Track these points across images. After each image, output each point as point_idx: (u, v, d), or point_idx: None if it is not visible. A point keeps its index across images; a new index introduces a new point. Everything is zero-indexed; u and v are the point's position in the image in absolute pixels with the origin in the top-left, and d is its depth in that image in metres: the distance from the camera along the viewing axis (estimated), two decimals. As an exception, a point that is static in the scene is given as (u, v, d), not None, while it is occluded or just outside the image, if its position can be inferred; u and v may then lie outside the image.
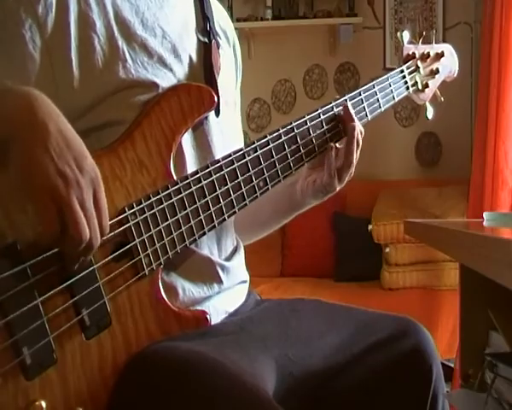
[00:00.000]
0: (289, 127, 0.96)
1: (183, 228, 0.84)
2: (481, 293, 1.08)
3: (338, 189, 1.02)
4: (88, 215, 0.69)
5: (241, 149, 0.90)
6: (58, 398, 0.73)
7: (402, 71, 1.14)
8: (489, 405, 0.95)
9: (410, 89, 1.16)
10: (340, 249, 3.07)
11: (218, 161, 0.88)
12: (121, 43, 0.85)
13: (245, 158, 0.90)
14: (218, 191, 0.87)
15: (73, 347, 0.74)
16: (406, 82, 1.15)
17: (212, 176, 0.87)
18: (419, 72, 1.17)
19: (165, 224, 0.82)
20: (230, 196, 0.89)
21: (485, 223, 1.12)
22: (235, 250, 1.01)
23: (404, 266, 2.81)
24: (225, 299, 0.94)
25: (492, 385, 0.95)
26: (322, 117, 1.00)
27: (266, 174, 0.93)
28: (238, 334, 0.90)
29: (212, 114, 0.92)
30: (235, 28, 1.14)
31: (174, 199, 0.83)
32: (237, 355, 0.83)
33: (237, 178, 0.89)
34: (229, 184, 0.88)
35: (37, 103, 0.68)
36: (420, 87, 1.18)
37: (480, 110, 2.55)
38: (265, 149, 0.93)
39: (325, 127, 1.00)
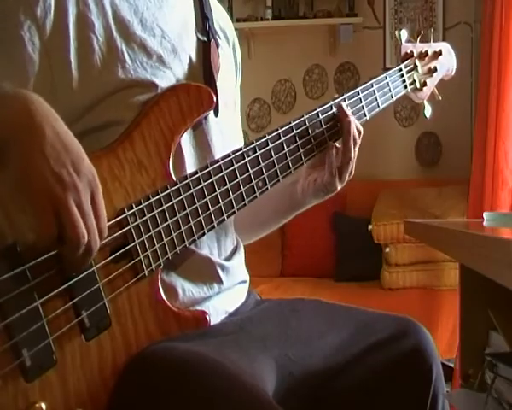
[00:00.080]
0: (288, 127, 0.96)
1: (182, 229, 0.84)
2: (481, 293, 1.08)
3: (339, 188, 1.02)
4: (86, 217, 0.69)
5: (240, 149, 0.90)
6: (58, 400, 0.73)
7: (400, 70, 1.15)
8: (489, 405, 0.95)
9: (409, 87, 1.16)
10: (340, 249, 3.07)
11: (218, 161, 0.88)
12: (120, 43, 0.85)
13: (244, 158, 0.90)
14: (218, 192, 0.87)
15: (73, 348, 0.74)
16: (404, 81, 1.15)
17: (211, 176, 0.87)
18: (417, 70, 1.17)
19: (165, 224, 0.82)
20: (230, 196, 0.89)
21: (485, 223, 1.12)
22: (235, 250, 1.01)
23: (404, 266, 2.81)
24: (225, 299, 0.94)
25: (492, 385, 0.94)
26: (320, 117, 1.00)
27: (265, 174, 0.93)
28: (238, 334, 0.90)
29: (211, 113, 0.92)
30: (235, 28, 1.14)
31: (173, 200, 0.83)
32: (237, 355, 0.83)
33: (236, 178, 0.89)
34: (229, 185, 0.88)
35: (33, 107, 0.68)
36: (418, 86, 1.18)
37: (480, 110, 2.55)
38: (264, 149, 0.93)
39: (324, 127, 1.00)
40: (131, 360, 0.79)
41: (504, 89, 2.35)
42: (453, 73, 1.25)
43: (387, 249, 2.83)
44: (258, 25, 3.44)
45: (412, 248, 2.78)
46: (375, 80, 1.09)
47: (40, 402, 0.70)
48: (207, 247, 0.92)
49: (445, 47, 1.22)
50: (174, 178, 0.85)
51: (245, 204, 0.91)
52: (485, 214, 1.14)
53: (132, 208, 0.80)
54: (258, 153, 0.92)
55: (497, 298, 1.05)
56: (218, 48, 0.99)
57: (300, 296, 1.12)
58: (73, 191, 0.68)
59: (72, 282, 0.73)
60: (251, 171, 0.91)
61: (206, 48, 0.96)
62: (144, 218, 0.80)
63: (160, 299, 0.83)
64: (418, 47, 1.18)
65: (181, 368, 0.75)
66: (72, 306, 0.74)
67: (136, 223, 0.80)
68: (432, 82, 1.20)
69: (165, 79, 0.88)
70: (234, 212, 0.89)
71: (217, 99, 0.90)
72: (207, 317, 0.86)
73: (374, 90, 1.08)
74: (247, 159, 0.91)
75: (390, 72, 1.13)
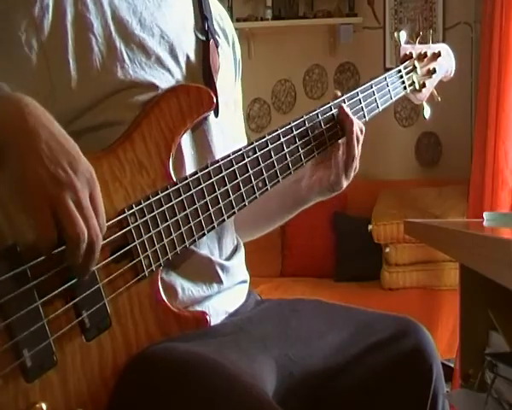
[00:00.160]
0: (288, 128, 0.96)
1: (182, 229, 0.84)
2: (481, 293, 1.08)
3: (345, 185, 1.04)
4: (85, 214, 0.69)
5: (240, 150, 0.90)
6: (58, 400, 0.73)
7: (399, 71, 1.15)
8: (489, 405, 0.95)
9: (408, 89, 1.16)
10: (340, 249, 3.07)
11: (218, 162, 0.88)
12: (119, 43, 0.85)
13: (244, 159, 0.90)
14: (218, 192, 0.87)
15: (74, 348, 0.74)
16: (404, 82, 1.15)
17: (211, 177, 0.87)
18: (416, 72, 1.17)
19: (165, 225, 0.82)
20: (230, 196, 0.89)
21: (485, 223, 1.12)
22: (235, 250, 1.01)
23: (404, 266, 2.81)
24: (225, 299, 0.94)
25: (492, 385, 0.95)
26: (320, 117, 1.00)
27: (265, 175, 0.93)
28: (238, 334, 0.90)
29: (211, 114, 0.92)
30: (236, 28, 1.14)
31: (174, 200, 0.83)
32: (237, 356, 0.83)
33: (236, 178, 0.89)
34: (229, 185, 0.88)
35: (27, 110, 0.68)
36: (417, 87, 1.18)
37: (480, 110, 2.55)
38: (264, 150, 0.93)
39: (323, 127, 1.00)
40: (132, 360, 0.79)
41: (504, 89, 2.35)
42: (452, 75, 1.25)
43: (387, 249, 2.83)
44: (258, 25, 3.44)
45: (412, 248, 2.78)
46: (374, 81, 1.09)
47: (40, 402, 0.70)
48: (207, 247, 0.92)
49: (444, 48, 1.22)
50: (174, 179, 0.85)
51: (245, 205, 0.91)
52: (485, 214, 1.14)
53: (132, 209, 0.80)
54: (258, 153, 0.92)
55: (497, 298, 1.05)
56: (217, 47, 0.99)
57: (300, 296, 1.12)
58: (71, 190, 0.68)
59: (73, 282, 0.73)
60: (251, 171, 0.91)
61: (205, 47, 0.96)
62: (144, 218, 0.80)
63: (160, 299, 0.83)
64: (417, 48, 1.18)
65: (181, 368, 0.75)
66: (72, 306, 0.74)
67: (136, 223, 0.80)
68: (431, 83, 1.20)
69: (164, 80, 0.88)
70: (234, 212, 0.90)
71: (217, 100, 0.90)
72: (207, 317, 0.86)
73: (373, 91, 1.08)
74: (247, 159, 0.91)
75: (389, 73, 1.13)
